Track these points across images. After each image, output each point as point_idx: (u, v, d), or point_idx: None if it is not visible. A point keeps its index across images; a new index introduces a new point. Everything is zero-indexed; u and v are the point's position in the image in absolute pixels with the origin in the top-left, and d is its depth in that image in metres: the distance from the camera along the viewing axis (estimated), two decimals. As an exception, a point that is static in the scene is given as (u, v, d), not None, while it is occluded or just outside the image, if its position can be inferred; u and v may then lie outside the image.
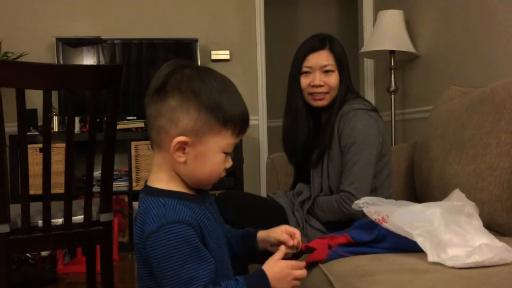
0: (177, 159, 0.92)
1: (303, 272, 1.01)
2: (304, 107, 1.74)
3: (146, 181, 1.00)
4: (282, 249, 1.03)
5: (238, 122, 0.96)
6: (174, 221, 0.88)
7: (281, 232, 1.11)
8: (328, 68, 1.68)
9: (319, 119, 1.78)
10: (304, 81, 1.70)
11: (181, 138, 0.91)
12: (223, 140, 0.95)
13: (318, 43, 1.69)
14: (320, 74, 1.68)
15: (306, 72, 1.70)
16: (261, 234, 1.14)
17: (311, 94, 1.70)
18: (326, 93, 1.69)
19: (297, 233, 1.10)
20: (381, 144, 1.64)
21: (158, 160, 0.97)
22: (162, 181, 0.96)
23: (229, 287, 0.92)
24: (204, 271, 0.88)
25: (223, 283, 0.93)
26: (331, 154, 1.65)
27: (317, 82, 1.67)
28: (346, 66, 1.71)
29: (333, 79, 1.68)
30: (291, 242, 1.08)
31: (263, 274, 0.97)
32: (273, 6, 4.50)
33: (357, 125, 1.59)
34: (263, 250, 1.14)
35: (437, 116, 1.91)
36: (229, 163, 0.99)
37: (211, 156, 0.95)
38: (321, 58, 1.68)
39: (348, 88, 1.73)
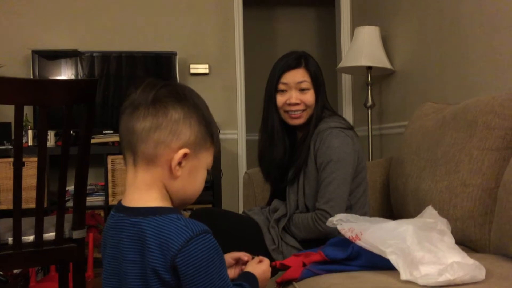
0: (175, 173, 0.90)
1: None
2: (280, 126, 1.74)
3: (122, 204, 0.93)
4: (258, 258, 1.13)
5: (218, 140, 0.99)
6: (201, 231, 0.85)
7: (234, 252, 1.16)
8: (303, 85, 1.68)
9: (295, 137, 1.79)
10: (280, 99, 1.71)
11: (186, 150, 0.90)
12: (209, 156, 0.97)
13: (293, 61, 1.69)
14: (296, 92, 1.68)
15: (282, 91, 1.70)
16: None
17: (287, 112, 1.71)
18: (303, 110, 1.69)
19: (246, 254, 1.16)
20: (357, 162, 1.65)
21: (147, 179, 0.91)
22: (156, 200, 0.91)
23: None
24: (228, 277, 0.90)
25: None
26: (307, 172, 1.66)
27: (293, 100, 1.67)
28: (322, 83, 1.72)
29: (309, 96, 1.69)
30: (246, 258, 1.15)
31: (254, 276, 1.04)
32: (252, 20, 4.53)
33: (332, 143, 1.60)
34: None
35: (412, 132, 1.93)
36: None
37: (201, 172, 0.96)
38: (297, 76, 1.68)
39: (324, 105, 1.73)
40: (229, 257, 1.13)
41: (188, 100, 0.93)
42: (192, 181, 0.94)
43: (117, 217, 0.93)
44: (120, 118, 0.94)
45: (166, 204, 0.92)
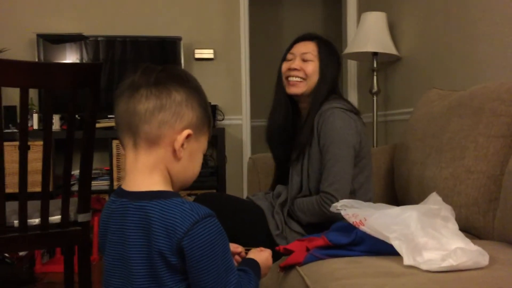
0: (179, 154, 0.91)
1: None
2: (285, 96, 1.78)
3: (124, 188, 0.92)
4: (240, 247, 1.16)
5: (212, 128, 1.00)
6: (206, 215, 0.86)
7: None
8: (307, 56, 1.71)
9: (299, 117, 1.79)
10: (285, 65, 1.76)
11: (190, 131, 0.91)
12: (206, 140, 0.98)
13: (308, 35, 1.76)
14: (299, 60, 1.72)
15: (289, 60, 1.75)
16: None
17: (287, 79, 1.73)
18: (302, 79, 1.70)
19: (239, 246, 1.17)
20: (359, 145, 1.64)
21: (149, 161, 0.90)
22: (159, 183, 0.91)
23: (248, 277, 0.99)
24: (233, 260, 0.91)
25: (242, 273, 0.98)
26: (311, 153, 1.66)
27: (293, 66, 1.71)
28: (330, 66, 1.72)
29: (310, 66, 1.70)
30: (238, 249, 1.16)
31: (256, 263, 1.06)
32: (257, 5, 4.50)
33: (335, 124, 1.60)
34: None
35: (417, 119, 1.93)
36: None
37: (199, 155, 0.97)
38: (303, 47, 1.73)
39: (333, 89, 1.73)
40: None
41: (190, 83, 0.94)
42: (191, 164, 0.95)
43: (119, 202, 0.92)
44: (116, 101, 0.93)
45: (167, 187, 0.92)
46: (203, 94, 0.96)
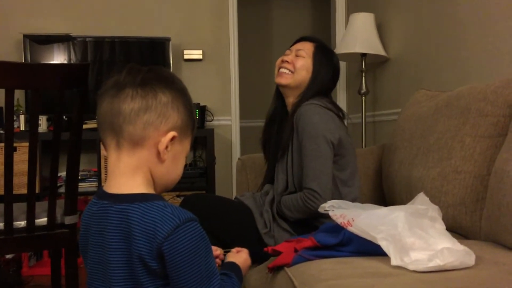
0: (163, 156, 0.89)
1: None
2: (277, 89, 1.86)
3: (105, 190, 0.91)
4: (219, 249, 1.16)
5: (195, 131, 0.99)
6: (187, 219, 0.84)
7: None
8: (300, 53, 1.77)
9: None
10: (280, 58, 1.82)
11: (174, 133, 0.90)
12: (189, 143, 0.97)
13: (310, 36, 1.84)
14: (293, 55, 1.78)
15: (285, 55, 1.81)
16: None
17: (279, 70, 1.79)
18: (290, 72, 1.75)
19: (218, 249, 1.17)
20: (339, 142, 1.64)
21: (132, 163, 0.89)
22: (141, 185, 0.89)
23: (231, 282, 0.99)
24: (216, 264, 0.89)
25: (224, 277, 0.98)
26: (294, 150, 1.66)
27: (285, 58, 1.78)
28: (323, 70, 1.76)
29: (300, 61, 1.76)
30: (217, 251, 1.16)
31: (237, 266, 1.06)
32: (246, 6, 4.50)
33: (311, 119, 1.62)
34: None
35: (405, 119, 1.93)
36: None
37: (182, 158, 0.96)
38: (301, 45, 1.80)
39: (323, 93, 1.75)
40: None
41: (176, 84, 0.93)
42: (174, 166, 0.94)
43: (100, 204, 0.90)
44: (99, 100, 0.91)
45: (150, 190, 0.90)
46: (188, 96, 0.95)
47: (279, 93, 1.84)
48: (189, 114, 0.94)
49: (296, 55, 1.77)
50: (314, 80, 1.73)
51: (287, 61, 1.76)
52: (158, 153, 0.90)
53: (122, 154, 0.89)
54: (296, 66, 1.74)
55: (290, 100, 1.78)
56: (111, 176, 0.91)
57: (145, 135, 0.88)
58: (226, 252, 1.16)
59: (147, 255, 0.83)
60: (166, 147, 0.90)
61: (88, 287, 0.93)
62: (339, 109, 1.73)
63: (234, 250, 1.13)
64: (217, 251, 1.14)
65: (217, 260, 1.14)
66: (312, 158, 1.58)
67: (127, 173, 0.89)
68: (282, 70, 1.77)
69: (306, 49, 1.77)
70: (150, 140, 0.89)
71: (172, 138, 0.90)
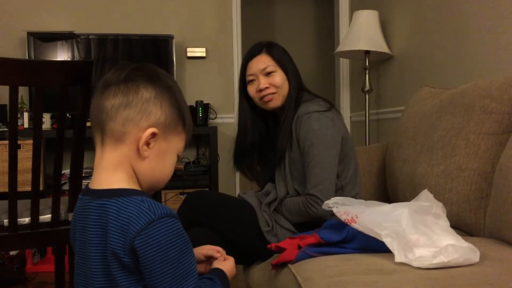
0: (143, 153, 0.89)
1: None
2: (252, 114, 1.79)
3: (89, 187, 0.91)
4: (221, 251, 1.11)
5: (191, 129, 0.98)
6: (164, 215, 0.82)
7: (208, 248, 1.13)
8: (268, 69, 1.70)
9: (278, 123, 1.79)
10: (251, 89, 1.74)
11: (154, 129, 0.89)
12: (180, 142, 0.96)
13: (255, 50, 1.74)
14: (263, 77, 1.70)
15: (251, 81, 1.74)
16: None
17: (261, 99, 1.72)
18: (275, 93, 1.70)
19: (221, 249, 1.13)
20: (341, 143, 1.64)
21: (114, 158, 0.89)
22: (122, 181, 0.89)
23: (213, 286, 0.95)
24: (195, 264, 0.87)
25: (207, 280, 0.96)
26: (293, 157, 1.66)
27: (262, 86, 1.70)
28: (290, 65, 1.73)
29: (277, 77, 1.70)
30: (218, 255, 1.11)
31: (224, 273, 1.03)
32: (249, 3, 4.49)
33: (312, 126, 1.59)
34: None
35: (409, 117, 1.93)
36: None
37: (170, 156, 0.94)
38: (260, 62, 1.71)
39: (301, 87, 1.74)
40: (200, 253, 1.10)
41: (161, 81, 0.92)
42: (160, 164, 0.93)
43: (84, 200, 0.91)
44: (92, 98, 0.92)
45: (132, 186, 0.90)
46: (176, 94, 0.93)
47: (257, 118, 1.79)
48: (176, 112, 0.92)
49: (266, 74, 1.70)
50: (291, 81, 1.71)
51: (266, 87, 1.69)
52: (139, 149, 0.89)
53: (105, 150, 0.90)
54: (277, 84, 1.69)
55: (279, 108, 1.75)
56: (95, 172, 0.92)
57: (125, 131, 0.88)
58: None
59: (120, 250, 0.82)
60: (148, 144, 0.89)
61: (75, 282, 0.93)
62: (330, 103, 1.71)
63: (221, 257, 1.10)
64: (217, 254, 1.10)
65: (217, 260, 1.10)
66: (314, 164, 1.58)
67: (109, 169, 0.89)
68: (267, 97, 1.70)
69: (267, 62, 1.70)
70: (130, 136, 0.88)
71: (153, 135, 0.89)
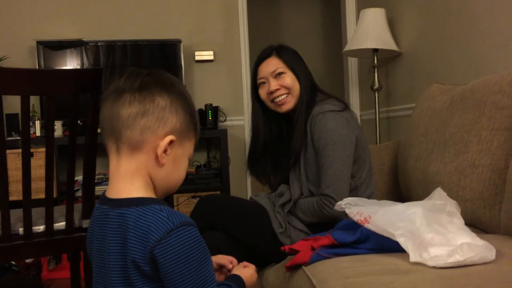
0: (161, 160, 0.89)
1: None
2: (264, 117, 1.80)
3: (106, 195, 0.92)
4: (234, 262, 1.12)
5: (199, 133, 0.99)
6: (182, 223, 0.83)
7: (221, 258, 1.13)
8: (278, 71, 1.71)
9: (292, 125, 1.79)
10: (262, 92, 1.75)
11: (172, 137, 0.89)
12: (191, 146, 0.97)
13: (264, 54, 1.76)
14: (273, 80, 1.72)
15: (263, 83, 1.75)
16: None
17: (273, 102, 1.73)
18: (287, 94, 1.71)
19: (233, 259, 1.14)
20: (355, 143, 1.63)
21: (131, 167, 0.89)
22: (139, 189, 0.89)
23: None
24: (213, 272, 0.88)
25: (223, 286, 0.97)
26: (307, 157, 1.65)
27: (272, 88, 1.71)
28: (299, 66, 1.74)
29: (287, 78, 1.71)
30: (230, 266, 1.12)
31: (241, 279, 1.03)
32: (256, 6, 4.50)
33: (326, 126, 1.59)
34: None
35: (420, 114, 1.92)
36: None
37: (184, 161, 0.95)
38: (269, 65, 1.73)
39: (314, 88, 1.74)
40: (213, 261, 1.09)
41: (175, 88, 0.92)
42: (176, 169, 0.93)
43: (101, 209, 0.91)
44: (101, 105, 0.92)
45: (149, 194, 0.91)
46: (188, 99, 0.94)
47: (274, 118, 1.80)
48: (189, 117, 0.93)
49: (276, 76, 1.71)
50: (302, 82, 1.71)
51: (277, 89, 1.70)
52: (157, 157, 0.89)
53: (122, 158, 0.90)
54: (288, 84, 1.70)
55: (291, 110, 1.75)
56: (111, 181, 0.92)
57: (143, 140, 0.88)
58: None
59: (140, 259, 0.83)
60: (165, 151, 0.90)
61: None
62: (344, 103, 1.70)
63: (241, 264, 1.11)
64: (230, 265, 1.11)
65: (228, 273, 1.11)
66: (329, 165, 1.57)
67: (126, 178, 0.90)
68: (278, 98, 1.71)
69: (276, 65, 1.72)
70: (148, 144, 0.89)
71: (171, 142, 0.90)
